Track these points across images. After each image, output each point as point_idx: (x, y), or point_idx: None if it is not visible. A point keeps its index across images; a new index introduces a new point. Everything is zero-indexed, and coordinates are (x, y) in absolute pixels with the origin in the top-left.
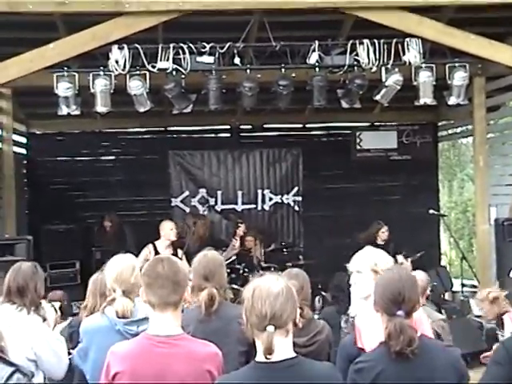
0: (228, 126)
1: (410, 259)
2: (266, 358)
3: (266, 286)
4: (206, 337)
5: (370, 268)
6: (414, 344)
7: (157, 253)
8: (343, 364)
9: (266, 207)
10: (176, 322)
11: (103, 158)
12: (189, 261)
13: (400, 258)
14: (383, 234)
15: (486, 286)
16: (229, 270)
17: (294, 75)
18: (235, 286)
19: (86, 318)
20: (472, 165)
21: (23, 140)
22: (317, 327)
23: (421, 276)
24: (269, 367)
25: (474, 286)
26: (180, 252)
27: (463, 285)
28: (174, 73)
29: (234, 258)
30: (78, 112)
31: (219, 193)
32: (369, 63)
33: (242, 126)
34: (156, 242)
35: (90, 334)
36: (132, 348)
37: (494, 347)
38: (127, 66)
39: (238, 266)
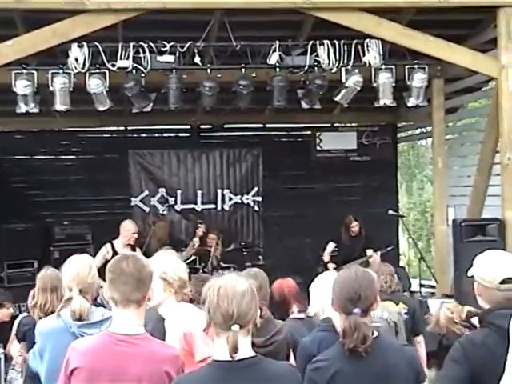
0: (188, 126)
1: (379, 252)
2: (232, 356)
3: (231, 285)
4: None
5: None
6: (367, 341)
7: (115, 252)
8: (302, 364)
9: (226, 207)
10: (138, 321)
11: (62, 156)
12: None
13: (370, 251)
14: (354, 228)
15: (444, 286)
16: (188, 270)
17: (254, 75)
18: None
19: (38, 317)
20: (431, 166)
21: None
22: (275, 327)
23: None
24: (229, 366)
25: (432, 287)
26: (138, 251)
27: (421, 285)
28: (134, 71)
29: (193, 257)
30: (36, 110)
31: (179, 192)
32: (329, 64)
33: (202, 126)
34: (114, 241)
35: (44, 336)
36: (92, 344)
37: (453, 346)
38: (87, 65)
39: (197, 266)
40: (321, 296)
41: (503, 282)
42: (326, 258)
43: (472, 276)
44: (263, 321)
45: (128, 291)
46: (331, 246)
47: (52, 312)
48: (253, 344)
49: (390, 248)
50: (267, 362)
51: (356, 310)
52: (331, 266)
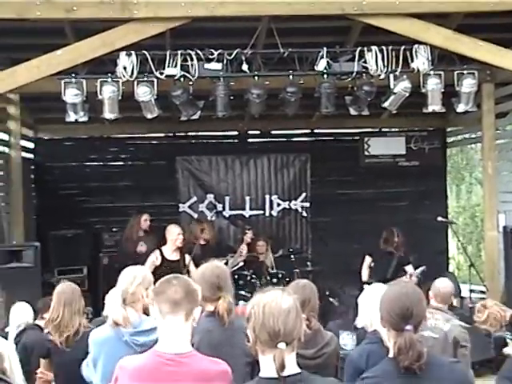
0: (236, 132)
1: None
2: (279, 374)
3: (276, 302)
4: (212, 347)
5: None
6: (422, 359)
7: (163, 258)
8: (351, 379)
9: (274, 213)
10: (186, 338)
11: (111, 163)
12: (196, 266)
13: (410, 267)
14: (395, 243)
15: (494, 293)
16: (236, 277)
17: (301, 82)
18: (242, 293)
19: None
20: (480, 168)
21: (31, 145)
22: (324, 339)
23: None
24: (275, 383)
25: (483, 292)
26: (187, 257)
27: (471, 291)
28: (182, 79)
29: (241, 264)
30: (85, 118)
31: (227, 198)
32: (377, 70)
33: (249, 132)
34: (162, 248)
35: (98, 345)
36: (141, 364)
37: (506, 362)
38: (135, 73)
39: (245, 273)
40: (369, 309)
41: None
42: (365, 275)
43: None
44: (312, 332)
45: (178, 298)
46: (368, 260)
47: (66, 327)
48: (302, 356)
49: (421, 269)
50: (313, 378)
51: (409, 327)
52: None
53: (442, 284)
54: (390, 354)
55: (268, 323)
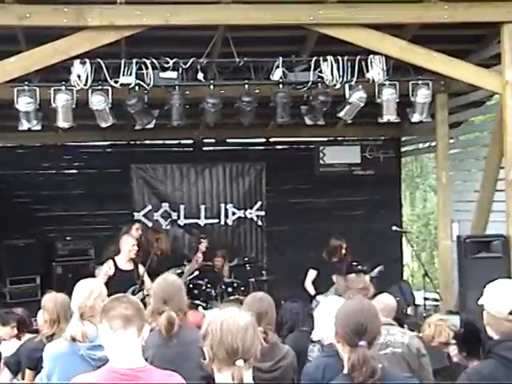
0: (191, 140)
1: (367, 276)
2: None
3: (234, 319)
4: (165, 361)
5: None
6: (376, 375)
7: (117, 268)
8: None
9: (229, 222)
10: (139, 353)
11: (65, 171)
12: (150, 277)
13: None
14: (342, 250)
15: (448, 301)
16: (191, 286)
17: (257, 91)
18: (197, 302)
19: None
20: (434, 175)
21: None
22: (281, 352)
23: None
24: None
25: (436, 300)
26: (141, 268)
27: (425, 298)
28: (137, 88)
29: (196, 273)
30: (38, 127)
31: (182, 207)
32: (332, 80)
33: (205, 140)
34: (116, 258)
35: (53, 360)
36: (95, 382)
37: (460, 378)
38: (89, 81)
39: (200, 282)
40: (325, 322)
41: None
42: (311, 289)
43: (482, 305)
44: (269, 346)
45: (129, 314)
46: (312, 273)
47: None
48: (259, 369)
49: (379, 269)
50: None
51: (362, 343)
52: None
53: (386, 298)
54: (345, 370)
55: (226, 340)
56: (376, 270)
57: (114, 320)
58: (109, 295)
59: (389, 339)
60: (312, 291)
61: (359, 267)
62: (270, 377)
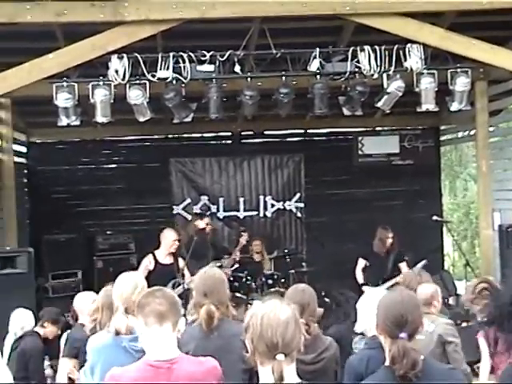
0: (229, 133)
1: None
2: None
3: (274, 313)
4: (206, 354)
5: None
6: (417, 367)
7: (157, 262)
8: (350, 382)
9: (268, 214)
10: (173, 345)
11: (104, 166)
12: (190, 270)
13: (403, 265)
14: (389, 240)
15: None
16: (231, 279)
17: (294, 82)
18: (238, 295)
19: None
20: (474, 164)
21: (23, 149)
22: (324, 344)
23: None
24: None
25: None
26: (181, 262)
27: None
28: (174, 82)
29: (236, 265)
30: (77, 122)
31: (221, 200)
32: (370, 70)
33: (243, 133)
34: (156, 252)
35: (96, 352)
36: (132, 375)
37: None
38: (127, 76)
39: (240, 274)
40: (368, 314)
41: None
42: (360, 278)
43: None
44: (311, 338)
45: (163, 310)
46: (362, 262)
47: None
48: (301, 361)
49: (423, 263)
50: None
51: (403, 335)
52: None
53: (421, 291)
54: (386, 362)
55: (266, 335)
56: (420, 265)
57: (149, 316)
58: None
59: None
60: (361, 280)
61: (405, 258)
62: (313, 368)
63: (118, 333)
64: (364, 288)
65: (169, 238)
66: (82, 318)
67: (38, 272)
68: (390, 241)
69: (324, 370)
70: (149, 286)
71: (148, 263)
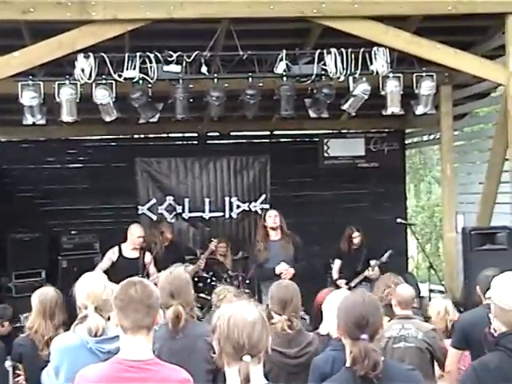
0: (195, 133)
1: (377, 263)
2: None
3: (241, 315)
4: (172, 355)
5: None
6: (378, 368)
7: (121, 255)
8: (315, 382)
9: (234, 215)
10: (148, 346)
11: (69, 165)
12: (157, 265)
13: (373, 262)
14: (356, 239)
15: (453, 293)
16: (196, 279)
17: (261, 84)
18: (202, 295)
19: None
20: (438, 167)
21: None
22: (306, 339)
23: (406, 291)
24: None
25: (442, 292)
26: (148, 256)
27: (431, 290)
28: (141, 82)
29: (202, 266)
30: (43, 121)
31: (186, 200)
32: (336, 72)
33: (209, 133)
34: (122, 245)
35: (61, 353)
36: (102, 372)
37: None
38: (93, 75)
39: (205, 275)
40: (333, 316)
41: None
42: (335, 275)
43: (489, 297)
44: (294, 332)
45: (139, 318)
46: (338, 262)
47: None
48: (285, 355)
49: (388, 253)
50: None
51: (364, 336)
52: (342, 282)
53: (404, 290)
54: (347, 363)
55: (233, 336)
56: (385, 256)
57: (125, 321)
58: (111, 281)
59: (402, 333)
60: (335, 276)
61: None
62: (297, 362)
63: (95, 333)
64: (338, 282)
65: (134, 234)
66: None
67: (1, 271)
68: (357, 239)
69: (307, 364)
70: (109, 279)
71: (112, 254)
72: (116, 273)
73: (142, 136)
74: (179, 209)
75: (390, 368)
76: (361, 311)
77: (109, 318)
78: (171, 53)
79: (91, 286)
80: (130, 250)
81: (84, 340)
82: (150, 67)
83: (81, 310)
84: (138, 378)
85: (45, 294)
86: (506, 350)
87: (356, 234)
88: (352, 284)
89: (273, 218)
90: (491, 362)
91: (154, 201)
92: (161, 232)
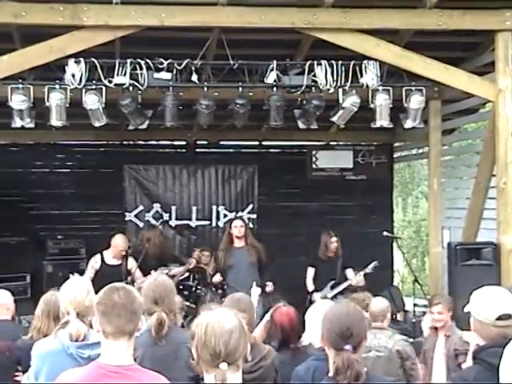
0: (184, 142)
1: (362, 272)
2: None
3: (219, 322)
4: (154, 361)
5: None
6: (360, 379)
7: (103, 262)
8: None
9: (221, 224)
10: (129, 351)
11: (57, 170)
12: (142, 270)
13: (350, 271)
14: (333, 245)
15: None
16: (181, 287)
17: (251, 94)
18: (187, 303)
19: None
20: (426, 182)
21: None
22: (261, 353)
23: (382, 304)
24: None
25: (426, 306)
26: (132, 262)
27: (415, 305)
28: (131, 88)
29: (186, 274)
30: (32, 125)
31: (173, 208)
32: (326, 84)
33: (198, 142)
34: (104, 252)
35: (41, 358)
36: (81, 377)
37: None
38: (83, 80)
39: (190, 283)
40: (316, 325)
41: (499, 318)
42: (310, 286)
43: (468, 311)
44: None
45: (121, 324)
46: (311, 271)
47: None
48: None
49: (373, 264)
50: None
51: (348, 347)
52: (317, 295)
53: (376, 304)
54: (330, 373)
55: (209, 343)
56: (371, 266)
57: (107, 326)
58: (95, 289)
59: (373, 343)
60: (311, 288)
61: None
62: (251, 377)
63: (76, 338)
64: (314, 295)
65: (117, 246)
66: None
67: None
68: (334, 245)
69: (262, 379)
70: (94, 286)
71: (94, 263)
72: (100, 280)
73: (131, 142)
74: (166, 216)
75: (372, 379)
76: (345, 322)
77: (91, 325)
78: (162, 60)
79: (74, 292)
80: (111, 257)
81: (65, 345)
82: (141, 74)
83: (63, 315)
84: (118, 382)
85: (49, 296)
86: (483, 363)
87: (334, 239)
88: (334, 292)
89: (238, 228)
90: (469, 376)
91: (141, 208)
92: (148, 239)
